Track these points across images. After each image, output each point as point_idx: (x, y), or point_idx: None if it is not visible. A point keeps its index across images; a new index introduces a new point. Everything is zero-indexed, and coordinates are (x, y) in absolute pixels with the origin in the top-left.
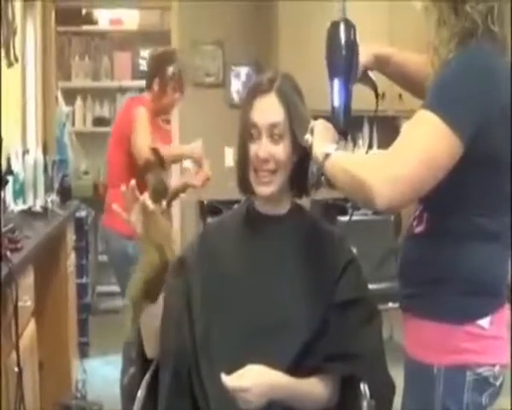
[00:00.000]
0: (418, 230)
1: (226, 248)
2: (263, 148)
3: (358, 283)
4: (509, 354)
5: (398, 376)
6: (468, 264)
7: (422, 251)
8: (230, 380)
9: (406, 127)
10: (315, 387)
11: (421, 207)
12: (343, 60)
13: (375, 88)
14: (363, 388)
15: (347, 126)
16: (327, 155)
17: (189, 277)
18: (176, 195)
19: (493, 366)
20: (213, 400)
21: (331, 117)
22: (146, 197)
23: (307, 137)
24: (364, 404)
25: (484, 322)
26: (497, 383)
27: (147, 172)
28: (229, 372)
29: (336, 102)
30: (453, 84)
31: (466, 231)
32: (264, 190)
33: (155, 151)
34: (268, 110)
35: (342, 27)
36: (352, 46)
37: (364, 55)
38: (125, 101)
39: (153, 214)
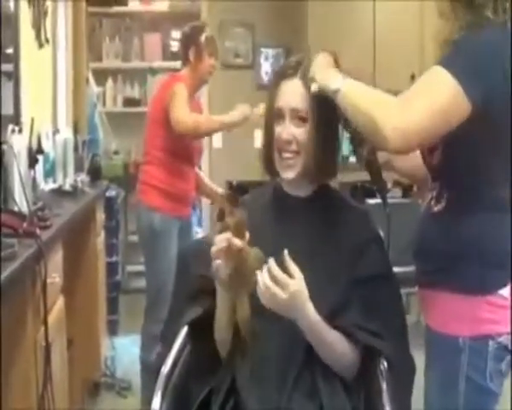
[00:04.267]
0: (437, 208)
1: (253, 225)
2: (286, 130)
3: (382, 259)
4: None
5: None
6: (488, 236)
7: (442, 228)
8: (277, 269)
9: (420, 79)
10: (339, 341)
11: (438, 187)
12: None
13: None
14: (383, 367)
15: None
16: (336, 90)
17: None
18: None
19: (510, 333)
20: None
21: None
22: (230, 236)
23: (313, 87)
24: (384, 383)
25: (504, 292)
26: None
27: (222, 216)
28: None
29: None
30: (466, 49)
31: (484, 204)
32: (287, 173)
33: (230, 196)
34: (292, 95)
35: None
36: None
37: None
38: (163, 79)
39: (241, 252)
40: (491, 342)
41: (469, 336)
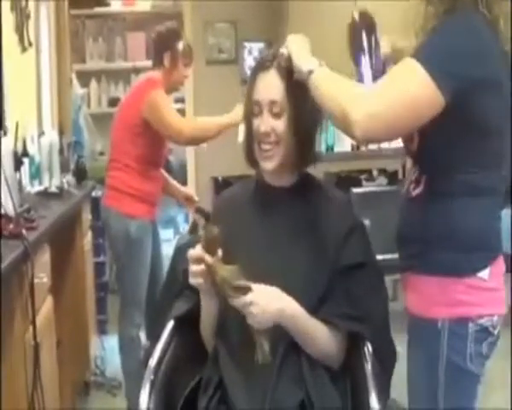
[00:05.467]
0: (416, 192)
1: (237, 218)
2: (264, 122)
3: (364, 247)
4: (506, 304)
5: None
6: (467, 220)
7: (422, 212)
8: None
9: (392, 70)
10: (323, 331)
11: (418, 171)
12: (366, 41)
13: None
14: (367, 351)
15: None
16: (310, 72)
17: None
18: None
19: (492, 316)
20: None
21: None
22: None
23: (282, 50)
24: (369, 367)
25: (484, 274)
26: (496, 332)
27: (194, 228)
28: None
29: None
30: (442, 41)
31: (462, 189)
32: (267, 164)
33: (200, 210)
34: (268, 87)
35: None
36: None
37: (385, 46)
38: (137, 83)
39: (211, 267)
40: (470, 324)
41: (448, 319)
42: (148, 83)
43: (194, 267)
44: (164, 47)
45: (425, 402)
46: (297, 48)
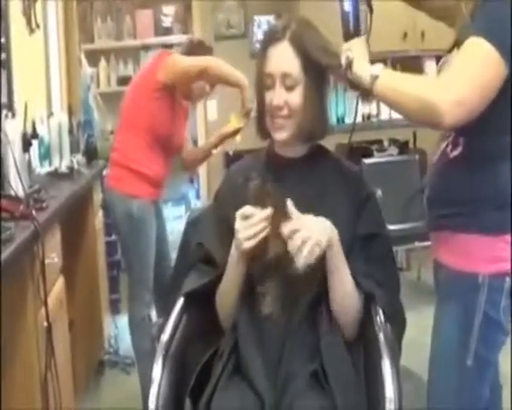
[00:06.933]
0: (454, 154)
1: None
2: (277, 96)
3: (378, 218)
4: None
5: (426, 315)
6: (504, 180)
7: (460, 173)
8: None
9: (460, 54)
10: (352, 281)
11: (454, 133)
12: None
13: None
14: (380, 320)
15: (358, 30)
16: (375, 77)
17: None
18: (215, 147)
19: None
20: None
21: (342, 22)
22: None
23: (347, 53)
24: (381, 337)
25: None
26: None
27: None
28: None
29: (347, 7)
30: (502, 13)
31: (501, 149)
32: (279, 135)
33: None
34: (281, 59)
35: None
36: None
37: None
38: (155, 54)
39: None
40: (507, 279)
41: (488, 274)
42: (165, 52)
43: (252, 230)
44: (193, 51)
45: (455, 354)
46: (357, 54)
